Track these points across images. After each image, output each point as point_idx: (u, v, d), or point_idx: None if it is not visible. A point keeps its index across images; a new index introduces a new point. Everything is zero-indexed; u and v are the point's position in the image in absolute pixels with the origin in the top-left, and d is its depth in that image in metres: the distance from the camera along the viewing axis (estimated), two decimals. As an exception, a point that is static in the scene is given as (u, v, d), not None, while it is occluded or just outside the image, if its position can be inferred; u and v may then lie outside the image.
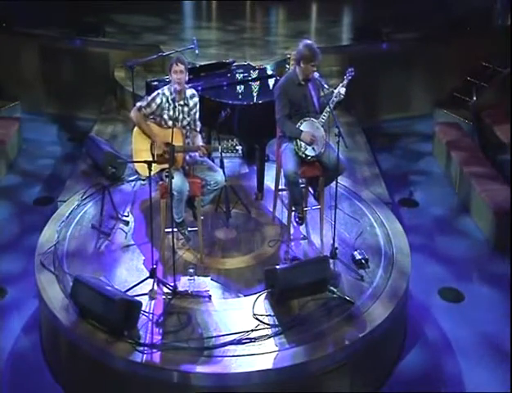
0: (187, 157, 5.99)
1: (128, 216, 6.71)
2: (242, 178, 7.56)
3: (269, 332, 5.22)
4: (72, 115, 10.44)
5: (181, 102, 5.96)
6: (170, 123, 5.90)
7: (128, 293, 5.48)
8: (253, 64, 8.14)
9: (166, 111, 5.95)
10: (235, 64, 7.81)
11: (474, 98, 10.12)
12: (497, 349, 5.86)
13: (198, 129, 6.10)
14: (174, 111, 5.88)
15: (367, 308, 5.49)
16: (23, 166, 9.05)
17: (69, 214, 6.73)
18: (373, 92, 10.19)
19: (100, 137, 8.44)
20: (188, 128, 6.02)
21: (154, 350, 5.00)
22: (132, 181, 7.36)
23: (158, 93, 5.96)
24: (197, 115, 6.09)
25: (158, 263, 5.88)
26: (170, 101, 5.93)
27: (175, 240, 5.66)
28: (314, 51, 6.04)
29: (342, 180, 6.87)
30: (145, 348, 5.01)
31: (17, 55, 10.63)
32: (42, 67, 10.62)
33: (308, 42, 6.14)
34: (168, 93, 5.94)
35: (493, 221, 7.31)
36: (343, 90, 5.99)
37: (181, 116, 5.97)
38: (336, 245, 6.03)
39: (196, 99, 6.07)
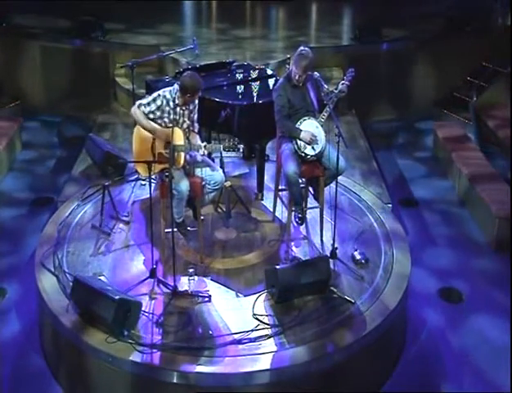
0: (188, 157, 5.99)
1: (127, 216, 6.72)
2: (242, 178, 7.56)
3: (269, 331, 5.22)
4: (72, 115, 10.43)
5: (183, 107, 5.95)
6: (170, 125, 5.88)
7: (128, 293, 5.49)
8: (253, 64, 8.13)
9: (166, 114, 5.93)
10: (235, 64, 7.80)
11: (474, 98, 10.12)
12: (497, 349, 5.86)
13: (196, 131, 6.10)
14: (175, 115, 5.88)
15: (367, 308, 5.49)
16: (23, 166, 9.05)
17: (69, 214, 6.73)
18: (373, 92, 10.18)
19: (100, 137, 8.44)
20: (187, 130, 6.02)
21: (154, 350, 5.00)
22: (132, 181, 7.37)
23: (159, 95, 5.94)
24: (195, 117, 6.09)
25: (158, 263, 5.88)
26: (171, 105, 5.92)
27: (175, 240, 5.66)
28: (300, 58, 5.98)
29: (342, 180, 6.87)
30: (145, 348, 5.01)
31: (17, 55, 10.62)
32: (42, 67, 10.62)
33: (300, 49, 6.07)
34: (169, 96, 5.92)
35: (493, 221, 7.30)
36: (344, 87, 5.99)
37: (181, 120, 5.97)
38: (336, 245, 6.03)
39: (196, 101, 6.06)
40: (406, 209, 8.09)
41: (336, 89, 6.06)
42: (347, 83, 6.05)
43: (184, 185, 5.80)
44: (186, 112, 6.00)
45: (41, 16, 11.72)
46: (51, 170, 8.92)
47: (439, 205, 8.25)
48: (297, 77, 6.06)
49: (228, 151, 6.11)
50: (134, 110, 5.95)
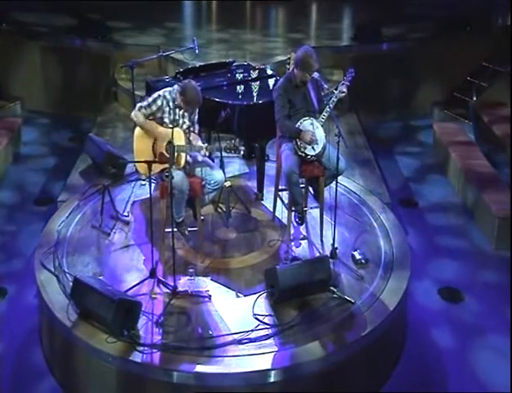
0: (188, 157, 5.99)
1: (127, 216, 6.72)
2: (242, 178, 7.56)
3: (269, 331, 5.22)
4: (72, 115, 10.43)
5: (183, 109, 5.96)
6: (170, 126, 5.88)
7: (128, 293, 5.49)
8: (253, 64, 8.13)
9: (167, 115, 5.94)
10: (235, 64, 7.81)
11: (474, 98, 10.12)
12: (497, 349, 5.86)
13: (196, 132, 6.11)
14: (175, 115, 5.89)
15: (367, 308, 5.49)
16: (23, 166, 9.05)
17: (69, 214, 6.73)
18: (373, 92, 10.18)
19: (100, 137, 8.44)
20: (187, 130, 6.02)
21: (154, 350, 5.00)
22: (132, 181, 7.37)
23: (159, 95, 5.94)
24: (196, 118, 6.10)
25: (158, 263, 5.88)
26: (171, 105, 5.92)
27: (175, 240, 5.66)
28: (312, 61, 5.97)
29: (342, 180, 6.87)
30: (145, 348, 5.01)
31: (17, 55, 10.62)
32: (43, 67, 10.62)
33: (308, 50, 6.07)
34: (169, 97, 5.93)
35: (493, 221, 7.30)
36: (344, 87, 6.00)
37: (181, 121, 5.97)
38: (336, 245, 6.04)
39: None
40: (406, 209, 8.09)
41: (336, 89, 6.07)
42: (347, 83, 6.06)
43: (184, 185, 5.81)
44: (187, 113, 6.00)
45: (42, 16, 11.71)
46: (51, 170, 8.91)
47: (439, 204, 8.25)
48: (299, 80, 6.05)
49: (229, 152, 6.11)
50: (135, 113, 5.94)
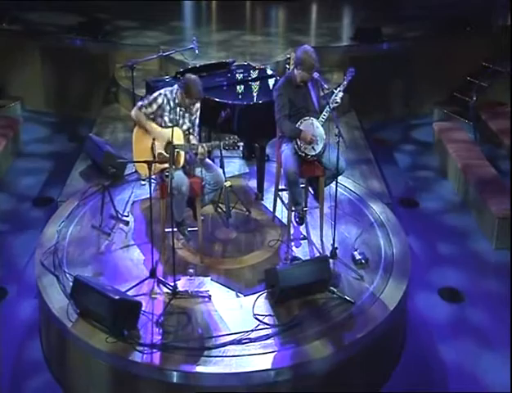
0: (187, 157, 5.99)
1: (128, 216, 6.72)
2: (242, 178, 7.55)
3: (269, 331, 5.22)
4: (72, 115, 10.42)
5: (183, 108, 5.95)
6: (170, 125, 5.89)
7: (128, 293, 5.49)
8: (253, 64, 8.13)
9: (167, 113, 5.94)
10: (235, 64, 7.81)
11: (474, 98, 10.12)
12: (498, 349, 5.86)
13: (195, 134, 6.10)
14: (175, 115, 5.88)
15: (367, 308, 5.49)
16: (23, 166, 9.05)
17: (69, 214, 6.73)
18: (373, 92, 10.18)
19: (100, 137, 8.44)
20: (187, 132, 6.02)
21: (154, 350, 5.00)
22: (132, 181, 7.37)
23: (160, 94, 5.94)
24: (197, 121, 6.09)
25: (158, 263, 5.88)
26: (172, 104, 5.92)
27: (175, 240, 5.66)
28: (312, 60, 5.98)
29: (342, 180, 6.87)
30: (145, 348, 5.01)
31: (17, 55, 10.62)
32: (43, 67, 10.61)
33: (308, 49, 6.07)
34: (170, 96, 5.92)
35: (493, 221, 7.31)
36: (338, 97, 5.99)
37: (181, 121, 5.97)
38: (336, 245, 6.04)
39: (198, 105, 6.05)
40: (406, 209, 8.09)
41: (336, 89, 6.07)
42: (345, 83, 6.05)
43: (184, 185, 5.81)
44: (187, 114, 5.99)
45: (42, 15, 11.71)
46: (51, 170, 8.91)
47: (439, 204, 8.25)
48: (300, 80, 6.05)
49: (228, 149, 6.11)
50: (136, 112, 5.95)
